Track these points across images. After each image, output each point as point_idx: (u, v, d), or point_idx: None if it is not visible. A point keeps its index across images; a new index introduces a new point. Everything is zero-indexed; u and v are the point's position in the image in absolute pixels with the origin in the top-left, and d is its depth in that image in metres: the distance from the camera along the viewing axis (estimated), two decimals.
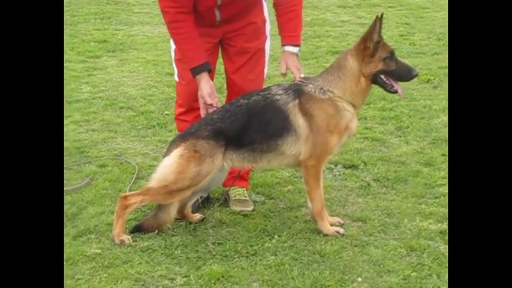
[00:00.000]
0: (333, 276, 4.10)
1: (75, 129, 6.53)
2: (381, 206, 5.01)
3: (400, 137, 6.46)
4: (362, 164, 5.77)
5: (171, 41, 4.91)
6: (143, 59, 9.06)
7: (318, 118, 4.42)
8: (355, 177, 5.54)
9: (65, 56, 9.29)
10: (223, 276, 4.09)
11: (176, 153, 4.42)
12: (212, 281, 4.04)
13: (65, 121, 6.70)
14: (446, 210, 4.90)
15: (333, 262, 4.25)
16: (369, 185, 5.40)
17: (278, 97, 4.48)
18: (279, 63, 4.85)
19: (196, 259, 4.30)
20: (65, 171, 5.56)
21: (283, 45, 4.75)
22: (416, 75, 4.56)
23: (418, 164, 5.80)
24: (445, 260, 4.26)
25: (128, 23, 11.30)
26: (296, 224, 4.75)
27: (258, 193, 5.27)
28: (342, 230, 4.59)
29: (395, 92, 4.51)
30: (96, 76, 8.37)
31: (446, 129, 6.52)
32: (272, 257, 4.31)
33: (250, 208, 4.95)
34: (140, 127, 6.60)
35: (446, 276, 4.07)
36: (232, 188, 5.07)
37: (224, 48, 4.90)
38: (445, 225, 4.69)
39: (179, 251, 4.38)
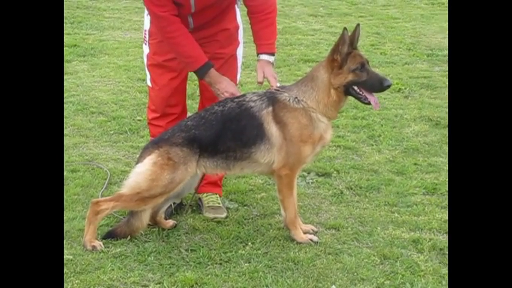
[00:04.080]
0: (307, 284, 4.09)
1: None
2: (354, 214, 5.02)
3: (372, 145, 6.48)
4: (335, 172, 5.78)
5: (144, 46, 4.90)
6: (114, 64, 9.01)
7: (291, 127, 4.42)
8: (328, 185, 5.54)
9: None
10: (196, 283, 4.07)
11: (149, 160, 4.38)
12: None
13: None
14: (418, 219, 4.94)
15: (307, 270, 4.25)
16: (342, 193, 5.40)
17: (252, 104, 4.46)
18: (253, 71, 4.85)
19: (170, 266, 4.27)
20: None
21: (258, 53, 4.74)
22: (389, 86, 4.47)
23: (391, 172, 5.82)
24: (418, 269, 4.29)
25: (99, 28, 11.24)
26: (270, 231, 4.74)
27: (231, 200, 5.25)
28: (315, 238, 4.59)
29: (369, 103, 4.48)
30: (67, 81, 8.27)
31: (418, 138, 6.59)
32: (246, 264, 4.30)
33: (224, 215, 4.93)
34: (112, 132, 6.55)
35: (420, 285, 4.10)
36: (205, 194, 5.05)
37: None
38: (417, 234, 4.72)
39: (152, 258, 4.34)
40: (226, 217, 4.94)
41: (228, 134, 4.43)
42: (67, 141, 6.30)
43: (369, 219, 4.94)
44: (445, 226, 4.82)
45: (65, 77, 8.44)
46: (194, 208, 5.09)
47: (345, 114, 7.30)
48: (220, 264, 4.31)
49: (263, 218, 4.94)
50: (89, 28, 11.21)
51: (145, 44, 4.89)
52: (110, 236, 4.50)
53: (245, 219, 4.94)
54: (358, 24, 4.44)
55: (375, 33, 11.74)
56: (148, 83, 4.96)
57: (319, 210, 5.10)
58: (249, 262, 4.32)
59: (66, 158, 5.92)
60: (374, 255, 4.43)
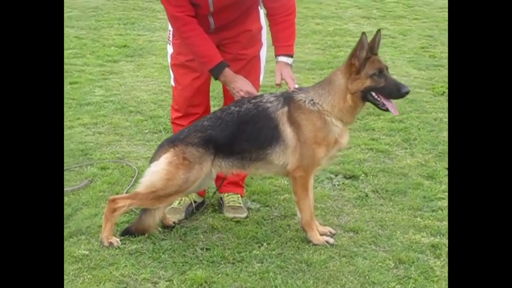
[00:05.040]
0: (316, 286, 4.08)
1: (82, 132, 6.59)
2: (375, 218, 4.98)
3: (406, 149, 6.41)
4: (363, 175, 5.74)
5: (168, 46, 4.94)
6: (160, 64, 9.11)
7: (306, 129, 4.40)
8: (353, 188, 5.51)
9: (84, 60, 9.43)
10: (206, 282, 4.09)
11: (165, 159, 4.42)
12: (194, 286, 4.05)
13: (74, 123, 6.79)
14: (441, 224, 4.87)
15: (318, 272, 4.23)
16: (366, 195, 5.36)
17: (269, 105, 4.47)
18: (272, 74, 4.83)
19: (183, 264, 4.30)
20: (66, 172, 5.62)
21: (277, 55, 4.74)
22: (407, 93, 4.39)
23: (420, 176, 5.75)
24: (433, 274, 4.23)
25: (151, 29, 11.39)
26: (287, 233, 4.74)
27: (253, 200, 5.27)
28: (331, 240, 4.57)
29: (387, 110, 4.42)
30: (111, 80, 8.44)
31: None
32: (258, 265, 4.30)
33: (244, 215, 4.95)
34: (146, 131, 6.64)
35: None
36: (226, 194, 5.08)
37: (220, 54, 4.89)
38: (437, 239, 4.65)
39: (166, 255, 4.38)
40: (246, 217, 4.95)
41: (243, 135, 4.44)
42: (101, 139, 6.42)
43: (390, 223, 4.89)
44: None
45: (110, 76, 8.62)
46: (216, 208, 5.11)
47: (382, 117, 7.24)
48: (233, 263, 4.32)
49: (283, 219, 4.93)
50: (141, 29, 11.37)
51: (170, 44, 4.93)
52: (127, 233, 4.56)
53: (264, 220, 4.94)
54: (378, 30, 4.41)
55: (427, 35, 11.62)
56: (172, 82, 5.01)
57: (340, 213, 5.07)
58: (262, 262, 4.33)
59: (98, 155, 6.03)
60: (389, 259, 4.39)
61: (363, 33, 4.37)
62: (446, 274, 4.21)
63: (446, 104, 7.71)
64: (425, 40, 11.27)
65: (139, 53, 9.83)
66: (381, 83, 4.35)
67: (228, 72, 4.61)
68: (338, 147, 4.53)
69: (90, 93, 7.87)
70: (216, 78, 4.68)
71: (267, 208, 5.15)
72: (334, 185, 5.58)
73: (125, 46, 10.14)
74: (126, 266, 4.24)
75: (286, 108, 4.43)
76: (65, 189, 5.22)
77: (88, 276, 4.10)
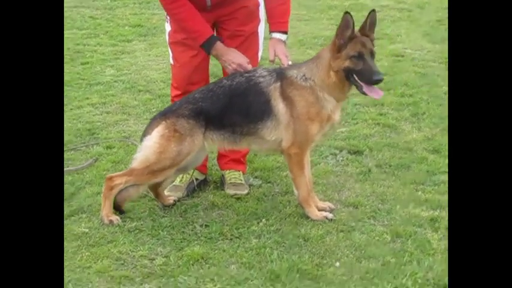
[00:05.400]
0: (311, 261, 4.08)
1: (90, 111, 6.64)
2: (376, 192, 4.97)
3: (414, 123, 6.38)
4: (367, 150, 5.73)
5: (166, 24, 4.96)
6: None
7: (298, 105, 4.40)
8: (357, 163, 5.50)
9: (97, 40, 9.48)
10: (202, 258, 4.11)
11: (156, 132, 4.45)
12: (191, 262, 4.08)
13: (82, 103, 6.86)
14: (442, 198, 4.85)
15: (315, 246, 4.24)
16: (369, 170, 5.35)
17: (261, 79, 4.47)
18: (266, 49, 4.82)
19: (181, 240, 4.34)
20: (72, 152, 5.68)
21: (271, 31, 4.74)
22: (378, 81, 4.28)
23: (425, 150, 5.72)
24: (429, 247, 4.22)
25: None
26: (286, 208, 4.75)
27: (256, 177, 5.28)
28: (330, 215, 4.57)
29: (365, 93, 4.38)
30: (122, 60, 8.48)
31: None
32: (255, 240, 4.32)
33: (245, 192, 4.97)
34: (154, 110, 6.66)
35: (426, 263, 4.03)
36: (228, 171, 5.10)
37: (218, 32, 4.90)
38: (436, 213, 4.64)
39: (165, 232, 4.42)
40: (248, 194, 4.97)
41: (234, 108, 4.45)
42: (109, 119, 6.46)
43: (390, 197, 4.89)
44: None
45: (122, 56, 8.66)
46: (218, 185, 5.14)
47: (392, 92, 7.22)
48: (231, 239, 4.35)
49: (283, 195, 4.94)
50: (155, 8, 11.34)
51: (167, 22, 4.94)
52: (117, 209, 4.58)
53: (265, 196, 4.96)
54: (371, 11, 4.39)
55: (445, 7, 11.44)
56: (171, 60, 5.03)
57: (342, 188, 5.07)
58: (259, 238, 4.35)
59: (104, 134, 6.09)
60: (386, 233, 4.39)
61: (346, 12, 4.34)
62: (443, 247, 4.21)
63: None
64: (442, 13, 11.13)
65: (152, 32, 9.86)
66: (358, 66, 4.29)
67: (219, 45, 4.62)
68: (331, 124, 4.51)
69: (101, 73, 7.92)
70: (208, 53, 4.68)
71: (268, 184, 5.16)
72: (338, 160, 5.58)
73: (139, 25, 10.17)
74: (124, 243, 4.28)
75: (278, 84, 4.43)
76: (69, 168, 5.28)
77: (86, 254, 4.15)
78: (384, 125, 6.30)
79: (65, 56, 8.59)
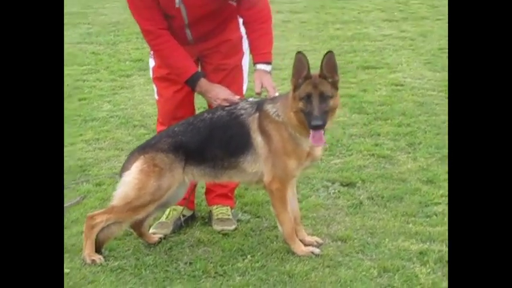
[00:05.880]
0: None
1: (83, 148, 6.59)
2: (366, 225, 4.87)
3: (409, 153, 6.29)
4: (360, 182, 5.64)
5: (150, 60, 4.93)
6: None
7: (274, 139, 4.33)
8: (349, 195, 5.41)
9: (97, 75, 9.50)
10: None
11: (135, 168, 4.38)
12: None
13: (76, 140, 6.81)
14: (434, 230, 4.76)
15: (300, 283, 4.15)
16: (361, 203, 5.26)
17: (243, 111, 4.42)
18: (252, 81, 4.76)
19: (163, 279, 4.25)
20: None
21: (255, 63, 4.68)
22: (313, 127, 4.14)
23: (419, 181, 5.63)
24: (416, 282, 4.13)
25: None
26: (273, 244, 4.66)
27: (245, 211, 5.20)
28: (317, 250, 4.48)
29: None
30: (120, 95, 8.46)
31: None
32: (239, 278, 4.24)
33: (232, 227, 4.88)
34: None
35: None
36: (215, 206, 5.02)
37: (202, 65, 4.87)
38: (426, 246, 4.54)
39: (148, 271, 4.34)
40: (235, 229, 4.89)
41: (215, 141, 4.39)
42: (101, 155, 6.42)
43: (380, 230, 4.79)
44: None
45: (120, 91, 8.65)
46: (206, 221, 5.06)
47: (389, 121, 7.15)
48: (214, 277, 4.26)
49: (271, 230, 4.85)
50: None
51: (151, 57, 4.91)
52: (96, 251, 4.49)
53: (253, 231, 4.87)
54: (328, 52, 4.26)
55: (447, 36, 11.41)
56: (156, 96, 4.99)
57: (331, 222, 4.98)
58: (243, 275, 4.26)
59: (95, 171, 6.04)
60: (374, 268, 4.29)
61: (298, 52, 4.27)
62: (431, 282, 4.11)
63: None
64: (444, 41, 11.05)
65: None
66: (306, 109, 4.20)
67: (203, 82, 4.58)
68: (311, 159, 4.43)
69: (98, 108, 7.89)
70: (193, 90, 4.63)
71: (257, 219, 5.08)
72: (330, 193, 5.49)
73: (140, 60, 10.14)
74: (105, 283, 4.20)
75: (256, 115, 4.37)
76: None
77: None
78: (379, 156, 6.21)
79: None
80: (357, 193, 5.46)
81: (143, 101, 8.12)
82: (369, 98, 7.99)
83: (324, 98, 4.22)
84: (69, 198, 5.47)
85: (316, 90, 4.20)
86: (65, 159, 6.18)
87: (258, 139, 4.34)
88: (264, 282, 4.17)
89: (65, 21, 13.18)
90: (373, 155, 6.25)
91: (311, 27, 12.63)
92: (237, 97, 4.62)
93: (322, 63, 4.26)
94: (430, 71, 9.30)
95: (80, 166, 6.15)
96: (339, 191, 5.50)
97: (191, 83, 4.58)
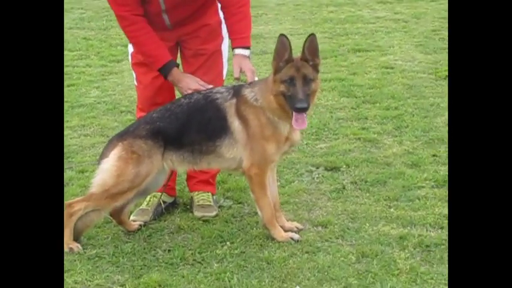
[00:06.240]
0: (271, 285, 3.96)
1: (68, 135, 6.55)
2: (348, 210, 4.84)
3: (396, 136, 6.25)
4: (344, 166, 5.60)
5: (129, 45, 4.87)
6: None
7: (252, 124, 4.30)
8: (332, 180, 5.37)
9: (87, 61, 9.44)
10: (160, 285, 3.99)
11: (114, 155, 4.35)
12: None
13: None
14: (415, 214, 4.74)
15: (277, 270, 4.11)
16: (344, 188, 5.22)
17: (218, 95, 4.38)
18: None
19: (141, 267, 4.22)
20: None
21: (233, 48, 4.63)
22: (298, 109, 4.13)
23: (404, 165, 5.59)
24: (394, 267, 4.09)
25: None
26: (253, 230, 4.63)
27: (227, 197, 5.17)
28: (296, 236, 4.45)
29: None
30: (109, 80, 8.43)
31: (446, 128, 6.27)
32: (217, 265, 4.20)
33: (213, 213, 4.85)
34: None
35: (389, 284, 3.91)
36: (196, 192, 4.99)
37: (181, 51, 4.83)
38: (406, 230, 4.51)
39: (126, 259, 4.31)
40: (216, 215, 4.86)
41: (193, 126, 4.36)
42: (86, 142, 6.39)
43: (361, 215, 4.76)
44: (441, 221, 4.61)
45: (109, 76, 8.62)
46: (187, 207, 5.03)
47: (378, 104, 7.12)
48: (192, 264, 4.23)
49: (252, 216, 4.82)
50: None
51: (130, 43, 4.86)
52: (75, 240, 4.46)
53: (234, 218, 4.84)
54: (310, 35, 4.23)
55: (442, 17, 11.38)
56: (135, 82, 4.95)
57: (313, 207, 4.95)
58: (221, 262, 4.23)
59: (79, 158, 6.00)
60: (352, 254, 4.25)
61: (281, 34, 4.24)
62: (409, 267, 4.08)
63: (446, 89, 7.51)
64: (438, 22, 11.05)
65: None
66: (289, 92, 4.18)
67: (175, 71, 4.54)
68: (290, 144, 4.40)
69: (85, 94, 7.86)
70: (165, 78, 4.59)
71: (239, 205, 5.05)
72: (314, 178, 5.45)
73: None
74: (81, 272, 4.16)
75: (234, 100, 4.34)
76: None
77: None
78: (365, 140, 6.17)
79: None
80: (341, 177, 5.42)
81: (132, 86, 7.96)
82: (358, 81, 7.95)
83: (306, 81, 4.20)
84: None
85: (299, 73, 4.18)
86: None
87: (235, 123, 4.31)
88: (241, 269, 4.14)
89: None
90: (359, 139, 6.21)
91: (305, 10, 12.57)
92: (209, 87, 4.57)
93: (304, 46, 4.23)
94: (421, 53, 9.25)
95: (64, 153, 6.10)
96: (322, 176, 5.47)
97: (163, 71, 4.55)
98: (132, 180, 4.32)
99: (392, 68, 8.51)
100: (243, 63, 4.59)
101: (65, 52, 9.93)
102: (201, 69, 4.76)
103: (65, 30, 11.34)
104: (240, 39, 4.60)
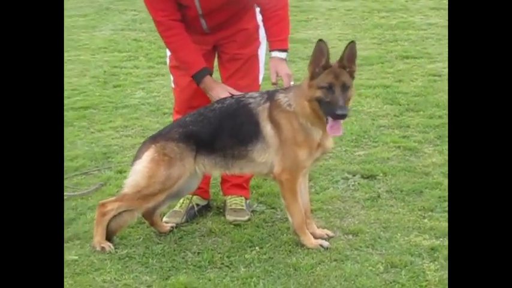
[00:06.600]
0: None
1: (110, 135, 6.65)
2: (380, 219, 4.80)
3: (437, 146, 6.17)
4: (381, 174, 5.55)
5: (167, 49, 4.91)
6: None
7: (284, 129, 4.29)
8: (367, 188, 5.33)
9: (135, 62, 9.56)
10: (185, 287, 4.02)
11: (146, 157, 4.40)
12: None
13: (104, 127, 6.87)
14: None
15: (304, 276, 4.10)
16: (379, 196, 5.17)
17: (251, 100, 4.39)
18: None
19: (169, 268, 4.25)
20: (84, 176, 5.69)
21: (270, 51, 4.64)
22: (340, 116, 4.11)
23: (442, 175, 5.50)
24: (423, 278, 4.04)
25: None
26: (283, 236, 4.62)
27: (261, 202, 5.18)
28: (326, 243, 4.43)
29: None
30: (154, 82, 8.50)
31: None
32: (244, 269, 4.20)
33: (245, 218, 4.86)
34: None
35: None
36: (230, 196, 5.01)
37: (218, 55, 4.86)
38: (438, 242, 4.45)
39: (155, 260, 4.34)
40: (248, 220, 4.86)
41: (225, 130, 4.38)
42: (127, 142, 6.46)
43: (394, 224, 4.71)
44: None
45: (155, 78, 8.70)
46: (220, 211, 5.05)
47: (422, 113, 7.04)
48: (220, 268, 4.25)
49: (284, 222, 4.80)
50: None
51: None
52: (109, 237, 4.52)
53: (265, 223, 4.84)
54: (350, 42, 4.22)
55: None
56: (172, 84, 4.99)
57: (345, 215, 4.91)
58: (249, 267, 4.23)
59: (119, 158, 6.08)
60: (381, 263, 4.21)
61: (320, 40, 4.20)
62: (438, 278, 4.03)
63: None
64: None
65: None
66: (327, 98, 4.15)
67: (207, 79, 4.56)
68: (322, 151, 4.38)
69: (131, 95, 7.95)
70: (197, 85, 4.61)
71: (271, 210, 5.05)
72: (349, 185, 5.42)
73: None
74: (111, 271, 4.21)
75: (267, 105, 4.34)
76: (74, 193, 5.27)
77: (69, 282, 4.09)
78: (405, 148, 6.11)
79: (98, 79, 8.70)
80: (377, 186, 5.37)
81: None
82: (403, 89, 7.87)
83: (345, 88, 4.19)
84: (89, 185, 5.52)
85: (337, 80, 4.17)
86: (91, 146, 6.31)
87: (267, 128, 4.31)
88: (268, 274, 4.13)
89: (112, 7, 13.39)
90: (399, 147, 6.15)
91: (356, 15, 12.51)
92: (239, 94, 4.58)
93: (344, 52, 4.21)
94: None
95: (104, 153, 6.20)
96: (358, 183, 5.43)
97: (196, 78, 4.58)
98: (163, 182, 4.35)
99: (439, 75, 8.41)
100: (280, 67, 4.59)
101: (115, 53, 10.10)
102: (237, 74, 4.78)
103: (117, 31, 11.55)
104: (276, 42, 4.60)
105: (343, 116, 4.13)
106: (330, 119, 4.17)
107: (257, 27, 4.81)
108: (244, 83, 4.75)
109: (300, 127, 4.28)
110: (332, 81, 4.15)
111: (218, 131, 4.38)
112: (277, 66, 4.60)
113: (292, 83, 4.58)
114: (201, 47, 4.72)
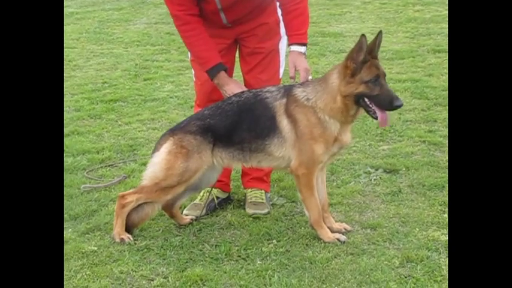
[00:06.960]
0: (310, 285, 3.96)
1: (137, 128, 6.72)
2: (400, 214, 4.79)
3: None
4: (404, 169, 5.53)
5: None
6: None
7: (301, 124, 4.30)
8: (389, 182, 5.31)
9: (167, 56, 9.62)
10: (201, 280, 4.05)
11: (164, 149, 4.44)
12: (188, 284, 4.02)
13: (132, 119, 6.93)
14: None
15: (319, 270, 4.11)
16: (400, 191, 5.16)
17: (268, 94, 4.40)
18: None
19: (186, 260, 4.29)
20: (109, 168, 5.76)
21: (289, 45, 4.64)
22: (399, 106, 4.17)
23: None
24: (438, 273, 4.03)
25: None
26: (301, 229, 4.64)
27: (281, 196, 5.19)
28: (343, 238, 4.43)
29: (377, 118, 4.22)
30: (184, 75, 8.55)
31: None
32: (260, 262, 4.23)
33: (264, 211, 4.88)
34: None
35: None
36: (250, 189, 5.03)
37: (239, 48, 4.89)
38: None
39: (173, 252, 4.39)
40: (267, 213, 4.88)
41: (243, 124, 4.40)
42: (153, 135, 6.52)
43: (413, 219, 4.69)
44: None
45: (185, 71, 8.74)
46: (241, 204, 5.08)
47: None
48: (236, 260, 4.28)
49: (302, 215, 4.81)
50: None
51: None
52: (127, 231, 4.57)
53: (284, 216, 4.86)
54: (379, 32, 4.21)
55: None
56: (193, 78, 5.03)
57: (365, 209, 4.91)
58: (265, 260, 4.25)
59: (144, 151, 6.14)
60: (397, 257, 4.21)
61: (362, 35, 4.18)
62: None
63: None
64: None
65: None
66: (375, 91, 4.15)
67: (222, 75, 4.58)
68: (339, 145, 4.38)
69: (160, 88, 8.02)
70: (211, 80, 4.64)
71: (292, 204, 5.06)
72: (371, 179, 5.41)
73: None
74: (128, 262, 4.26)
75: (284, 100, 4.35)
76: (98, 185, 5.34)
77: (87, 273, 4.15)
78: (430, 143, 6.08)
79: (129, 72, 8.77)
80: (398, 180, 5.36)
81: None
82: (433, 83, 7.82)
83: (385, 79, 4.23)
84: (113, 177, 5.58)
85: (381, 72, 4.19)
86: (117, 138, 6.37)
87: (284, 122, 4.33)
88: (283, 267, 4.15)
89: (148, 1, 13.48)
90: (424, 141, 6.12)
91: (390, 8, 12.44)
92: None
93: (374, 44, 4.20)
94: None
95: (130, 146, 6.26)
96: (380, 178, 5.42)
97: (211, 73, 4.61)
98: (181, 174, 4.39)
99: None
100: (298, 61, 4.59)
101: (147, 47, 10.17)
102: (257, 68, 4.81)
103: (150, 24, 11.63)
104: (295, 36, 4.61)
105: (401, 106, 4.18)
106: (379, 113, 4.17)
107: (278, 22, 4.82)
108: (264, 77, 4.78)
109: (317, 121, 4.28)
110: (377, 73, 4.15)
111: (235, 125, 4.41)
112: (295, 60, 4.61)
113: (310, 77, 4.58)
114: (222, 41, 4.75)
